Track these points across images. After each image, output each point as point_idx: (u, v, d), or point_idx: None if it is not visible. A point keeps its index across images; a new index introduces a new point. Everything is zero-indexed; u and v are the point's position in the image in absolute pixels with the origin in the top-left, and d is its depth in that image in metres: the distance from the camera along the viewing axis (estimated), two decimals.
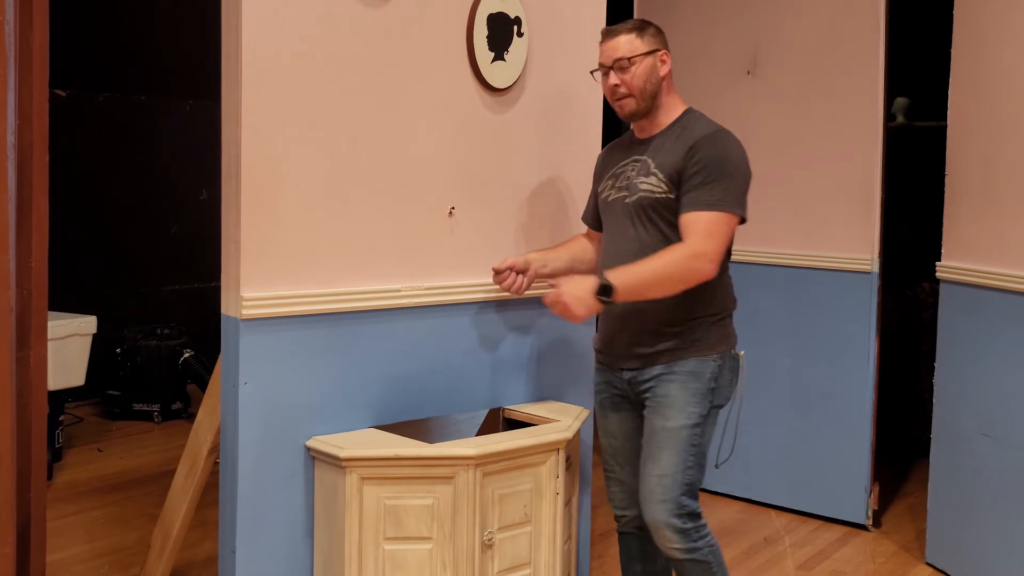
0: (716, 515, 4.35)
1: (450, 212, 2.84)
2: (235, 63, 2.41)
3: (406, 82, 2.71)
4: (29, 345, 2.21)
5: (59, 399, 4.62)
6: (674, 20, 4.67)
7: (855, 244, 4.16)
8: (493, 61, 2.90)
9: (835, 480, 4.24)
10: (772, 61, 4.40)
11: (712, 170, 2.56)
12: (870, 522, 4.19)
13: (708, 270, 2.55)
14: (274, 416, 2.51)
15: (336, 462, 2.49)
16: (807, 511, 4.34)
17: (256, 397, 2.47)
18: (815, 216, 4.29)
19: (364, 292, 2.64)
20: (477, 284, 2.90)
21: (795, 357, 4.37)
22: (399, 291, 2.72)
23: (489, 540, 2.59)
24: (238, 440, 2.45)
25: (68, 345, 4.53)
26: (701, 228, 2.53)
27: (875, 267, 4.12)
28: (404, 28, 2.70)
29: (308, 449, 2.57)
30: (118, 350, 5.41)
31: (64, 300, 5.07)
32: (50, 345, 4.46)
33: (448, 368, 2.87)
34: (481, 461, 2.54)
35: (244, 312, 2.42)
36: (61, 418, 4.70)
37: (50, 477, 4.40)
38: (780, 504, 4.43)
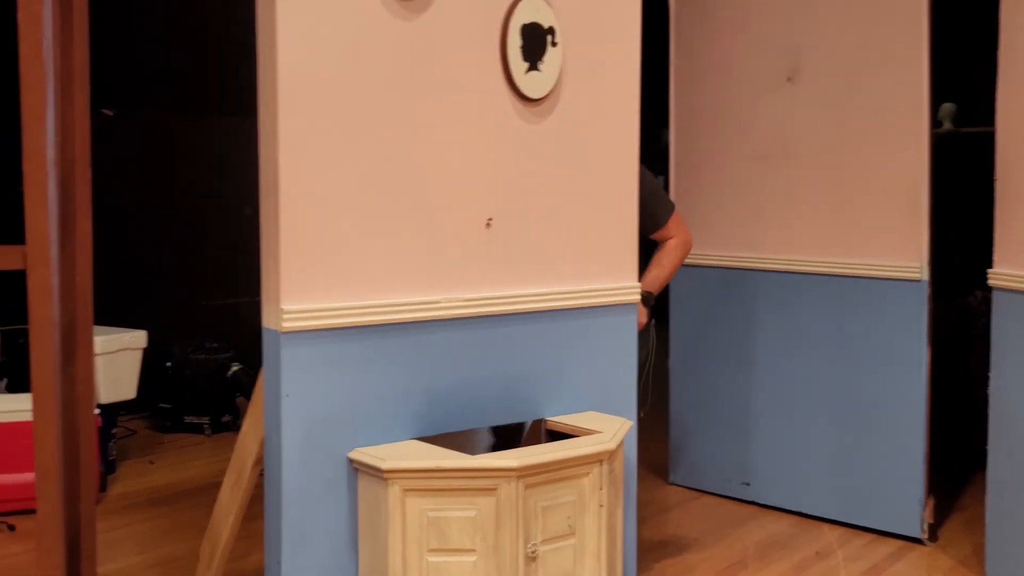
0: (765, 528, 4.29)
1: (488, 223, 2.84)
2: (271, 80, 2.44)
3: (441, 93, 2.73)
4: (75, 360, 2.24)
5: (112, 412, 4.69)
6: (711, 26, 4.65)
7: (903, 252, 4.10)
8: (527, 71, 2.90)
9: (888, 492, 4.17)
10: (813, 67, 4.35)
11: (654, 194, 3.61)
12: (926, 536, 4.11)
13: (692, 245, 3.80)
14: (316, 428, 2.52)
15: (378, 474, 2.50)
16: (860, 524, 4.27)
17: (298, 409, 2.49)
18: (861, 224, 4.24)
19: (402, 304, 2.66)
20: (516, 295, 2.90)
21: (843, 367, 4.31)
22: (437, 303, 2.73)
23: (533, 553, 2.57)
24: (281, 452, 2.47)
25: (119, 359, 4.61)
26: (674, 225, 3.68)
27: (924, 275, 4.05)
28: (438, 40, 2.71)
29: (351, 461, 2.58)
30: (168, 364, 5.49)
31: (114, 315, 5.15)
32: (101, 359, 4.59)
33: (489, 379, 2.87)
34: (523, 473, 2.53)
35: (284, 325, 2.44)
36: (114, 431, 4.77)
37: (103, 489, 4.48)
38: (832, 517, 4.36)
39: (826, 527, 4.31)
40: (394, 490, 2.48)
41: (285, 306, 2.45)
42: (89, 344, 2.26)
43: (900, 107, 4.09)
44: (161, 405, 5.53)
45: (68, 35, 2.20)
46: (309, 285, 2.49)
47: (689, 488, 4.82)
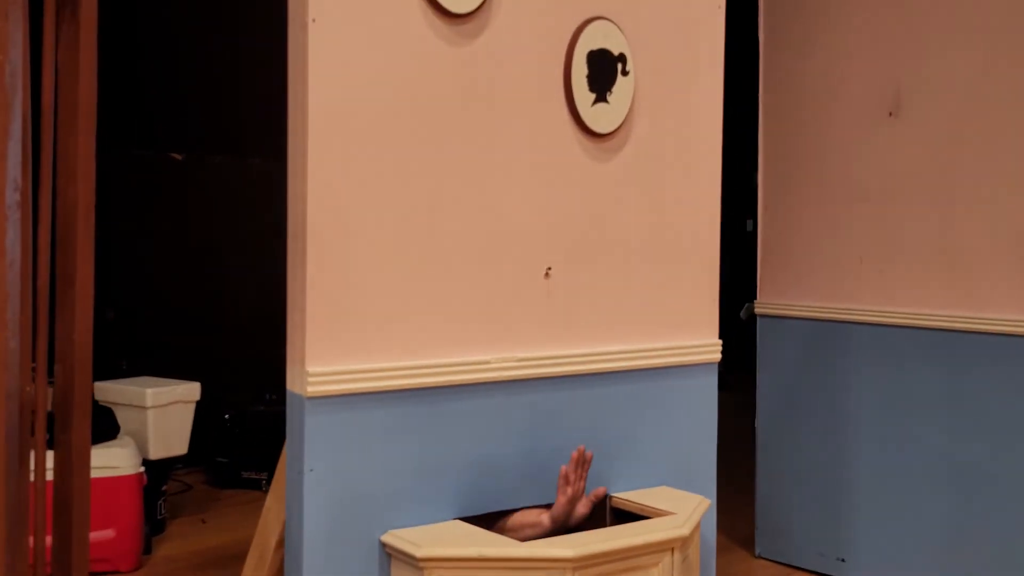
0: None
1: (546, 273, 2.52)
2: (301, 112, 2.18)
3: (495, 128, 2.43)
4: (71, 427, 1.99)
5: (162, 469, 4.48)
6: (804, 55, 4.32)
7: (1022, 304, 3.67)
8: (594, 103, 2.59)
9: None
10: (917, 101, 3.98)
11: None
12: None
13: None
14: (345, 507, 2.22)
15: (413, 562, 2.18)
16: None
17: (324, 485, 2.19)
18: (974, 273, 3.83)
19: (447, 365, 2.35)
20: (579, 354, 2.57)
21: (953, 433, 3.89)
22: (488, 363, 2.41)
23: None
24: (303, 534, 2.17)
25: (170, 412, 4.40)
26: None
27: None
28: (492, 68, 2.42)
29: (383, 545, 2.27)
30: (226, 416, 5.28)
31: (171, 367, 4.98)
32: (152, 412, 4.38)
33: (546, 450, 2.53)
34: (580, 564, 2.19)
35: (310, 389, 2.15)
36: (164, 487, 4.56)
37: (148, 551, 4.24)
38: None
39: None
40: None
41: (311, 368, 2.16)
42: (86, 409, 2.01)
43: (1018, 144, 3.68)
44: (219, 459, 5.31)
45: (73, 70, 1.97)
46: (339, 343, 2.20)
47: (778, 562, 4.40)
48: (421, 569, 2.17)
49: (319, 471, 2.18)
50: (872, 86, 4.11)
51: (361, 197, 2.23)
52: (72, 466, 1.99)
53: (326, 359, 2.18)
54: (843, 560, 4.19)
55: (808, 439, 4.32)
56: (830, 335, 4.26)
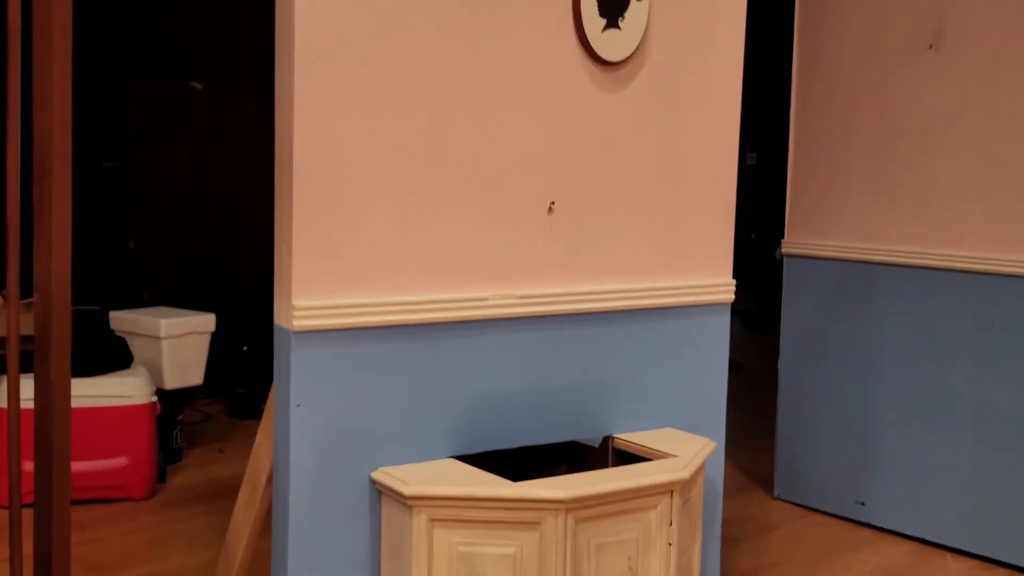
0: (880, 555, 3.80)
1: (549, 208, 2.43)
2: (287, 34, 2.08)
3: (497, 56, 2.32)
4: (49, 357, 1.94)
5: (177, 399, 4.48)
6: None
7: None
8: (605, 29, 2.47)
9: None
10: (959, 34, 3.80)
11: None
12: None
13: None
14: (334, 443, 2.17)
15: (401, 500, 2.13)
16: (992, 557, 3.76)
17: (312, 421, 2.14)
18: (1012, 215, 3.68)
19: (443, 301, 2.27)
20: (583, 292, 2.48)
21: (981, 379, 3.78)
22: (486, 300, 2.34)
23: None
24: (290, 470, 2.13)
25: (185, 343, 4.39)
26: None
27: None
28: None
29: (373, 482, 2.22)
30: (245, 348, 5.27)
31: (191, 299, 4.96)
32: (166, 343, 4.37)
33: (547, 389, 2.46)
34: (573, 505, 2.13)
35: (296, 323, 2.09)
36: (180, 417, 4.56)
37: (164, 479, 4.26)
38: (959, 547, 3.85)
39: (950, 557, 3.81)
40: (419, 520, 2.11)
41: (298, 301, 2.10)
42: (66, 340, 1.96)
43: None
44: (238, 390, 5.31)
45: None
46: (328, 277, 2.13)
47: (796, 504, 4.34)
48: (410, 507, 2.12)
49: (307, 407, 2.13)
50: (912, 16, 3.93)
51: (352, 126, 2.14)
52: (52, 397, 1.95)
53: (314, 293, 2.12)
54: (863, 504, 4.12)
55: (832, 382, 4.22)
56: (859, 276, 4.14)
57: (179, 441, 4.52)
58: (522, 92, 2.37)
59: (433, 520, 2.12)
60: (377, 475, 2.21)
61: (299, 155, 2.08)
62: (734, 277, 2.80)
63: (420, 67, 2.22)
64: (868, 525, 4.09)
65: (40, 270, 1.92)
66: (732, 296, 2.78)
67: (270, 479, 2.33)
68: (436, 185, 2.26)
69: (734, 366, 6.98)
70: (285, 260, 2.12)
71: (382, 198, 2.19)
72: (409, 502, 2.11)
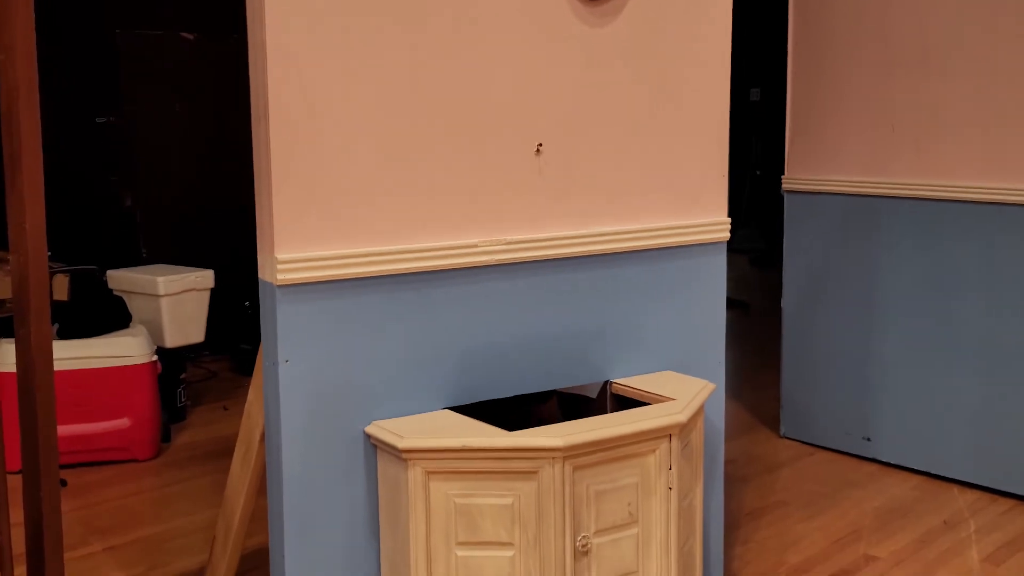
0: (887, 491, 3.78)
1: (537, 150, 2.37)
2: None
3: None
4: (28, 322, 1.91)
5: (179, 357, 4.46)
6: None
7: None
8: None
9: None
10: None
11: None
12: None
13: None
14: (325, 398, 2.14)
15: (396, 453, 2.11)
16: (998, 488, 3.75)
17: (301, 376, 2.10)
18: (1014, 144, 3.60)
19: (431, 249, 2.22)
20: (573, 236, 2.43)
21: (988, 310, 3.73)
22: (475, 246, 2.29)
23: (584, 546, 2.15)
24: (281, 426, 2.10)
25: (185, 301, 4.35)
26: None
27: None
28: None
29: (367, 436, 2.19)
30: (247, 303, 5.23)
31: (192, 255, 4.92)
32: (165, 301, 4.34)
33: (542, 336, 2.42)
34: (570, 453, 2.10)
35: (280, 277, 2.05)
36: (184, 376, 4.55)
37: (168, 439, 4.26)
38: (965, 479, 3.83)
39: (956, 490, 3.79)
40: (415, 472, 2.09)
41: (280, 254, 2.05)
42: (45, 303, 1.92)
43: None
44: (242, 346, 5.29)
45: None
46: (311, 228, 2.08)
47: (803, 442, 4.32)
48: (405, 460, 2.09)
49: (295, 362, 2.09)
50: None
51: (329, 69, 2.07)
52: (34, 363, 1.91)
53: (297, 245, 2.07)
54: (868, 439, 4.10)
55: (836, 318, 4.18)
56: (861, 210, 4.07)
57: (183, 400, 4.51)
58: (505, 30, 2.30)
59: (429, 473, 2.09)
60: (371, 429, 2.18)
61: (274, 100, 2.02)
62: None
63: (398, 6, 2.15)
64: (874, 460, 4.08)
65: (15, 230, 1.88)
66: (728, 235, 2.72)
67: (263, 437, 2.30)
68: (417, 130, 2.20)
69: (742, 306, 6.96)
70: (266, 212, 2.07)
71: (362, 145, 2.13)
72: (404, 455, 2.08)
